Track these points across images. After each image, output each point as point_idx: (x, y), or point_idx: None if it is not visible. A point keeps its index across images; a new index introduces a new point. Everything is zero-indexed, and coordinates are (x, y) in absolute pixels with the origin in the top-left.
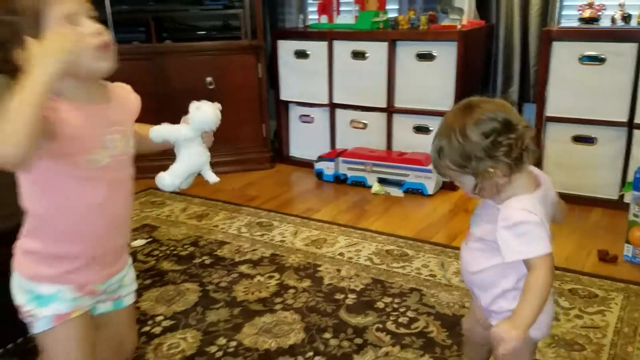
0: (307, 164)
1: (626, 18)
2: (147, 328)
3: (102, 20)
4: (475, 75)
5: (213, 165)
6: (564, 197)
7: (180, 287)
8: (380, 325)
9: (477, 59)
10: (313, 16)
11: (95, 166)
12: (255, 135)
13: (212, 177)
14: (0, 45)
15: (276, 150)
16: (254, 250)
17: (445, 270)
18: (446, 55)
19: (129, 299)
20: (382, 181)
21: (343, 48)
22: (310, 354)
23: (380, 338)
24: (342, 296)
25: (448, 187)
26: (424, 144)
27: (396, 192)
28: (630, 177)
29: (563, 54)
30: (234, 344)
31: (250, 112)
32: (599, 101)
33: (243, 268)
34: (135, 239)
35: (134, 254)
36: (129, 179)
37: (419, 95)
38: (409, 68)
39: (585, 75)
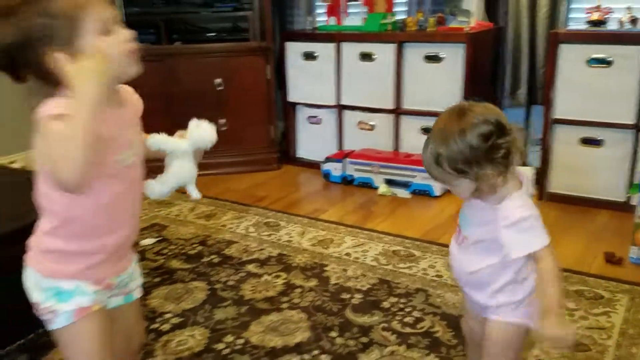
0: (314, 165)
1: (634, 21)
2: (155, 325)
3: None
4: (483, 77)
5: (221, 165)
6: (571, 199)
7: (189, 286)
8: (386, 325)
9: (485, 61)
10: (321, 18)
11: (122, 165)
12: (263, 136)
13: (195, 193)
14: (33, 47)
15: (284, 151)
16: (261, 249)
17: (448, 270)
18: (454, 57)
19: (138, 293)
20: (389, 182)
21: (351, 50)
22: (316, 352)
23: (386, 337)
24: (348, 296)
25: None
26: None
27: (403, 193)
28: (637, 180)
29: (570, 57)
30: (241, 341)
31: (258, 113)
32: (606, 104)
33: (250, 267)
34: (145, 238)
35: (143, 252)
36: (142, 177)
37: (427, 97)
38: (416, 70)
39: (593, 77)
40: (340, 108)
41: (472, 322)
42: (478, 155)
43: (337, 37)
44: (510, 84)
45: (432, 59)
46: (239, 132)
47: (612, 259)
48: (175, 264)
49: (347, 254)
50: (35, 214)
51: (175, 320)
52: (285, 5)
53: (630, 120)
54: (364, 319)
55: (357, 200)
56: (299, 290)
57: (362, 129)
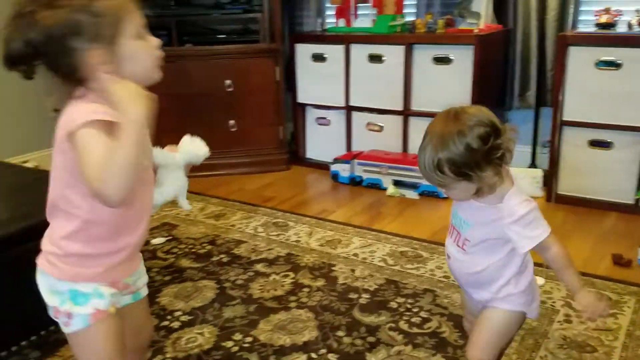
0: (323, 166)
1: None
2: (165, 322)
3: None
4: (491, 79)
5: (231, 165)
6: (579, 200)
7: (198, 284)
8: (393, 325)
9: (494, 63)
10: (331, 20)
11: (142, 167)
12: (272, 137)
13: (186, 205)
14: (68, 41)
15: (293, 152)
16: (269, 249)
17: None
18: (463, 59)
19: (145, 290)
20: (397, 183)
21: (360, 51)
22: (324, 351)
23: (392, 337)
24: (355, 296)
25: None
26: None
27: (411, 194)
28: None
29: (579, 59)
30: (249, 339)
31: (267, 115)
32: (615, 106)
33: (259, 267)
34: (155, 237)
35: (154, 251)
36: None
37: (436, 99)
38: (425, 71)
39: (602, 80)
40: (349, 109)
41: (473, 319)
42: (478, 158)
43: (346, 38)
44: (519, 86)
45: (441, 60)
46: (248, 133)
47: (620, 261)
48: (185, 262)
49: (355, 255)
50: (42, 214)
51: (185, 318)
52: (295, 7)
53: (639, 122)
54: (371, 319)
55: (365, 201)
56: (306, 289)
57: (370, 130)
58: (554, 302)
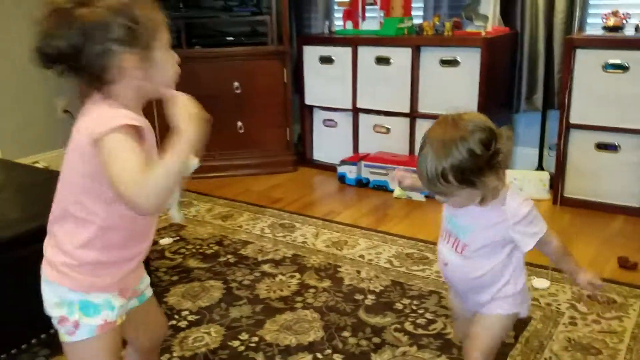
0: (330, 168)
1: None
2: (173, 322)
3: None
4: (499, 82)
5: (238, 167)
6: (585, 203)
7: (205, 284)
8: (399, 326)
9: (501, 65)
10: (339, 22)
11: None
12: (280, 138)
13: (177, 216)
14: (101, 42)
15: (300, 153)
16: (276, 250)
17: None
18: (470, 61)
19: (149, 291)
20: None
21: (367, 54)
22: (329, 351)
23: (398, 338)
24: (361, 297)
25: None
26: None
27: (417, 196)
28: None
29: (587, 62)
30: (255, 339)
31: (275, 116)
32: (623, 109)
33: (265, 267)
34: (163, 237)
35: (162, 251)
36: None
37: (443, 101)
38: (432, 74)
39: (609, 82)
40: (356, 111)
41: (466, 325)
42: (481, 163)
43: (353, 41)
44: (526, 89)
45: (448, 63)
46: (256, 135)
47: (625, 264)
48: (192, 263)
49: (361, 256)
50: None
51: (192, 318)
52: (303, 9)
53: None
54: (377, 320)
55: (372, 202)
56: (312, 290)
57: (377, 132)
58: (559, 304)
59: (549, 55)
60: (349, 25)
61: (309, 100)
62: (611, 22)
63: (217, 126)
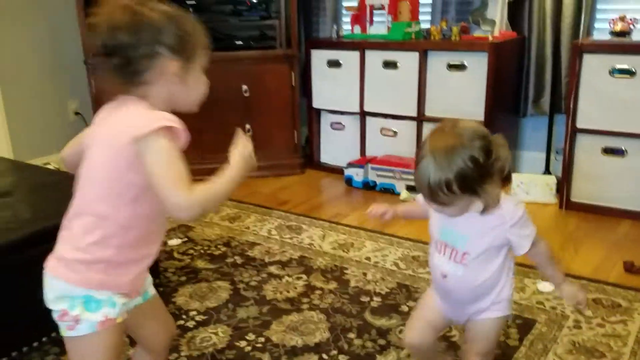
0: (337, 170)
1: None
2: (181, 322)
3: None
4: (506, 86)
5: None
6: (592, 208)
7: (213, 285)
8: (404, 328)
9: (509, 69)
10: (347, 26)
11: None
12: (288, 141)
13: None
14: (152, 52)
15: (307, 156)
16: (283, 252)
17: None
18: (477, 65)
19: (152, 289)
20: (410, 188)
21: (375, 58)
22: (335, 352)
23: (403, 340)
24: (367, 299)
25: None
26: None
27: None
28: None
29: (594, 67)
30: (262, 339)
31: (283, 119)
32: (630, 113)
33: (272, 269)
34: (172, 238)
35: (170, 252)
36: None
37: (450, 105)
38: (439, 78)
39: (616, 87)
40: (364, 114)
41: (428, 334)
42: (483, 171)
43: (361, 45)
44: (533, 93)
45: (456, 67)
46: (264, 137)
47: (631, 269)
48: (200, 263)
49: (367, 258)
50: (65, 214)
51: (200, 318)
52: (312, 13)
53: None
54: (382, 322)
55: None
56: (319, 292)
57: (384, 135)
58: (564, 308)
59: (556, 60)
60: (357, 29)
61: (316, 103)
62: (618, 27)
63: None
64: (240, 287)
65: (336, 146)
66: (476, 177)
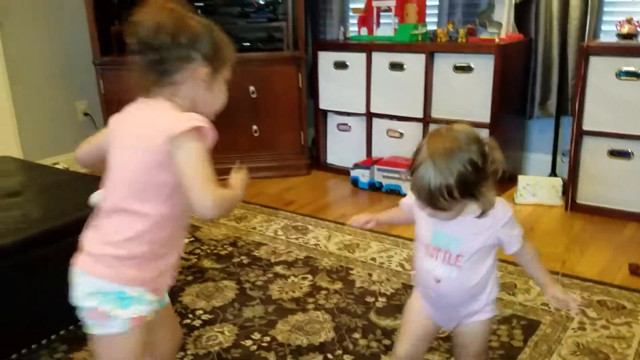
0: (343, 171)
1: None
2: (187, 321)
3: None
4: (512, 88)
5: (253, 169)
6: (598, 210)
7: (219, 284)
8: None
9: (515, 71)
10: (353, 28)
11: None
12: (294, 142)
13: None
14: (187, 56)
15: (313, 157)
16: (289, 252)
17: None
18: (484, 67)
19: (167, 297)
20: None
21: (381, 59)
22: (339, 352)
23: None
24: (372, 299)
25: None
26: None
27: None
28: None
29: (600, 69)
30: (267, 339)
31: (289, 120)
32: (636, 116)
33: (278, 269)
34: None
35: None
36: None
37: (456, 107)
38: (446, 80)
39: (623, 90)
40: (370, 116)
41: (419, 344)
42: (482, 175)
43: (368, 47)
44: (540, 95)
45: (462, 69)
46: (270, 138)
47: (636, 271)
48: (207, 263)
49: (373, 259)
50: (74, 213)
51: (206, 317)
52: (319, 15)
53: None
54: (387, 322)
55: (384, 206)
56: (324, 292)
57: (391, 136)
58: (568, 309)
59: (563, 62)
60: (364, 31)
61: (323, 104)
62: (625, 29)
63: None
64: (246, 287)
65: (342, 147)
66: (475, 181)
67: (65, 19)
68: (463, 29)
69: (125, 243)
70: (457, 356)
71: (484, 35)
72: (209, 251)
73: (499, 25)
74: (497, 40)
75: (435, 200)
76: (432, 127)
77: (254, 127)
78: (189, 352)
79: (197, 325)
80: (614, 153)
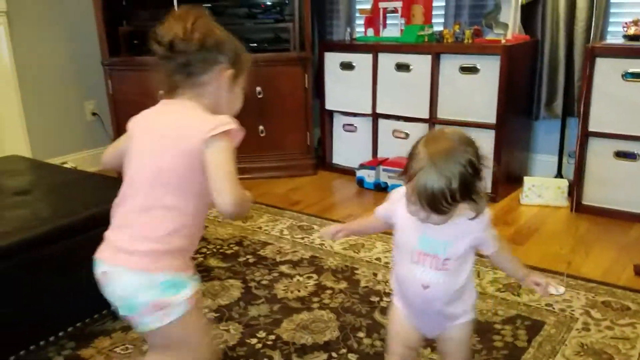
0: (348, 172)
1: None
2: None
3: None
4: (518, 89)
5: (260, 169)
6: (604, 211)
7: (225, 283)
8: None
9: (521, 73)
10: (360, 29)
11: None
12: (300, 142)
13: None
14: (214, 59)
15: (319, 157)
16: (294, 251)
17: (480, 279)
18: (490, 68)
19: None
20: None
21: (388, 60)
22: (344, 350)
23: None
24: (377, 299)
25: (488, 198)
26: None
27: None
28: None
29: (606, 70)
30: (272, 337)
31: (296, 121)
32: None
33: (284, 268)
34: None
35: None
36: None
37: (462, 108)
38: (452, 80)
39: (629, 91)
40: (376, 116)
41: (409, 351)
42: (478, 175)
43: (374, 47)
44: (546, 96)
45: (468, 70)
46: (277, 138)
47: None
48: (212, 262)
49: (378, 259)
50: (82, 211)
51: (212, 315)
52: (325, 16)
53: None
54: None
55: None
56: (329, 291)
57: (396, 137)
58: (573, 310)
59: (569, 63)
60: (370, 32)
61: (329, 105)
62: (631, 31)
63: None
64: (251, 286)
65: (348, 148)
66: (473, 182)
67: (74, 20)
68: (469, 30)
69: (168, 237)
70: None
71: (490, 37)
72: (215, 250)
73: (505, 26)
74: (503, 41)
75: (438, 203)
76: (438, 128)
77: (260, 127)
78: None
79: None
80: (620, 154)
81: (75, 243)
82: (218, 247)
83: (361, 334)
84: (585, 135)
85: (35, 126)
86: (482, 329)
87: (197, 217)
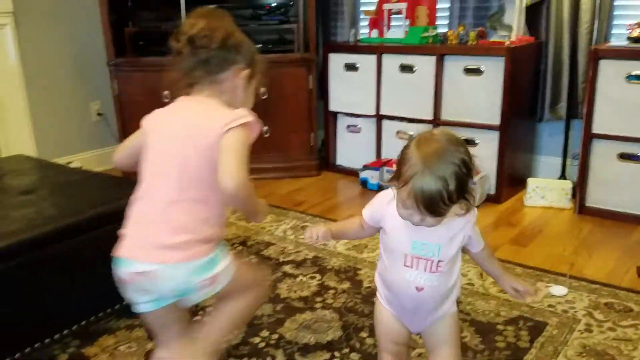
0: (352, 173)
1: None
2: (197, 318)
3: (170, 33)
4: (522, 91)
5: (264, 170)
6: (607, 213)
7: None
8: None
9: (526, 74)
10: (364, 31)
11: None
12: (304, 143)
13: None
14: (232, 59)
15: (323, 158)
16: (298, 252)
17: (483, 280)
18: (494, 70)
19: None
20: None
21: (392, 61)
22: (346, 350)
23: (414, 340)
24: None
25: (492, 199)
26: None
27: None
28: None
29: (610, 73)
30: (275, 336)
31: (299, 122)
32: None
33: (287, 268)
34: None
35: None
36: None
37: (466, 109)
38: (456, 82)
39: (632, 93)
40: (380, 118)
41: (400, 347)
42: (470, 175)
43: (378, 49)
44: (550, 98)
45: (472, 71)
46: (281, 139)
47: None
48: None
49: None
50: (87, 211)
51: None
52: (329, 18)
53: None
54: None
55: None
56: (332, 291)
57: (400, 138)
58: (575, 311)
59: (574, 65)
60: (375, 33)
61: (333, 106)
62: (635, 33)
63: None
64: None
65: (352, 149)
66: (467, 182)
67: (80, 20)
68: (474, 32)
69: (200, 227)
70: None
71: (494, 38)
72: None
73: (509, 28)
74: (507, 42)
75: (436, 206)
76: (426, 129)
77: (265, 128)
78: None
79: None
80: (623, 156)
81: (80, 242)
82: None
83: (364, 334)
84: (589, 137)
85: (41, 126)
86: (485, 330)
87: (221, 208)
